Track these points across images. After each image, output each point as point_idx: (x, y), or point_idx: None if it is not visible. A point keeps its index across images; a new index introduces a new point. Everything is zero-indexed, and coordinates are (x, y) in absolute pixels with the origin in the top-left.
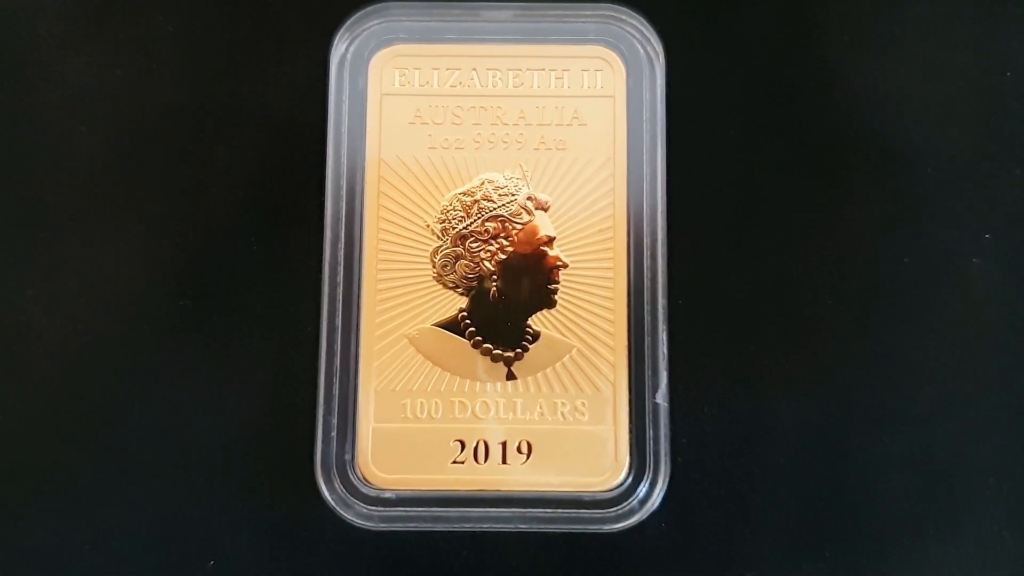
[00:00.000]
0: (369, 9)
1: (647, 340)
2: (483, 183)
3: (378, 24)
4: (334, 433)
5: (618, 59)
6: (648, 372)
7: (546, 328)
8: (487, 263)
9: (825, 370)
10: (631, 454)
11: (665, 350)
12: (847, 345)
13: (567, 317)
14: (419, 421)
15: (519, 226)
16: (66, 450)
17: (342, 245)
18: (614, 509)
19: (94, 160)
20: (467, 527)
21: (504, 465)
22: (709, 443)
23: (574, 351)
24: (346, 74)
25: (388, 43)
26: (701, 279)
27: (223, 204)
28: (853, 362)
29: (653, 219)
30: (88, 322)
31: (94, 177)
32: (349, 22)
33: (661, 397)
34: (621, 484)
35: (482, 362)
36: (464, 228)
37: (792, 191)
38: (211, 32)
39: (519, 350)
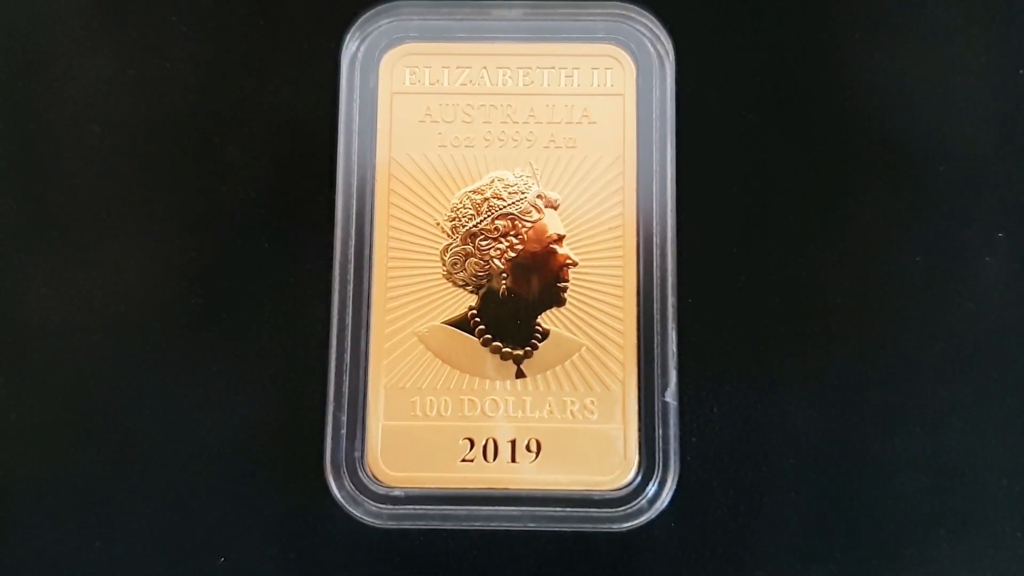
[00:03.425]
0: (380, 8)
1: (656, 338)
2: (493, 181)
3: (388, 23)
4: (343, 431)
5: (628, 57)
6: (657, 371)
7: (555, 326)
8: (497, 261)
9: (836, 369)
10: (640, 453)
11: (674, 348)
12: (858, 344)
13: (576, 315)
14: (428, 419)
15: (529, 224)
16: (77, 447)
17: (352, 243)
18: (623, 508)
19: (107, 159)
20: (476, 526)
21: (513, 463)
22: (719, 442)
23: (583, 349)
24: (357, 73)
25: (398, 42)
26: (710, 277)
27: (234, 203)
28: (864, 361)
29: (663, 217)
30: (100, 320)
31: (107, 176)
32: (360, 21)
33: (670, 396)
34: (630, 483)
35: (491, 360)
36: (474, 226)
37: (803, 189)
38: (223, 32)
39: (528, 348)
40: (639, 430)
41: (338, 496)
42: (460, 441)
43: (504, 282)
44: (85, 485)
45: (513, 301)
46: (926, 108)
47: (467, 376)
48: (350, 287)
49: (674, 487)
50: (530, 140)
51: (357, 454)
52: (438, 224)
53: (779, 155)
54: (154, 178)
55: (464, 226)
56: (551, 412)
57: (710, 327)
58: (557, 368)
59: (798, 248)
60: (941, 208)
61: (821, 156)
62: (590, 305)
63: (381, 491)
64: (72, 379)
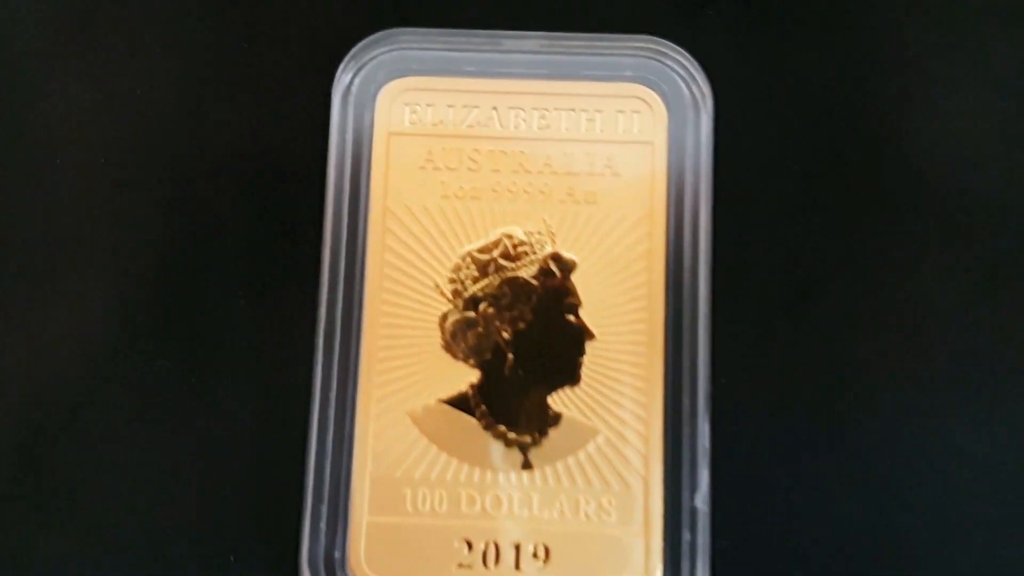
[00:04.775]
0: (378, 35)
1: (685, 428)
2: (501, 239)
3: (387, 52)
4: (323, 524)
5: (659, 100)
6: (686, 467)
7: (568, 409)
8: (503, 332)
9: (887, 464)
10: (664, 563)
11: (707, 442)
12: (912, 435)
13: (593, 397)
14: (420, 515)
15: (541, 290)
16: (29, 524)
17: (339, 304)
18: None
19: (66, 193)
20: None
21: (517, 571)
22: (755, 553)
23: (600, 438)
24: (350, 108)
25: (398, 74)
26: (748, 357)
27: (208, 251)
28: (918, 455)
29: (694, 285)
30: (52, 377)
31: (65, 212)
32: (355, 50)
33: (701, 500)
34: None
35: (495, 447)
36: (478, 290)
37: (853, 256)
38: (202, 55)
39: (537, 434)
40: (663, 537)
41: None
42: (456, 543)
43: (510, 356)
44: (36, 565)
45: (520, 378)
46: (994, 161)
47: (466, 465)
48: (335, 355)
49: None
50: (545, 193)
51: (337, 554)
52: (437, 287)
53: (827, 216)
54: (119, 217)
55: (467, 290)
56: (562, 512)
57: (747, 416)
58: (569, 459)
59: (847, 324)
60: (1013, 279)
61: (875, 218)
62: (609, 386)
63: None
64: (17, 444)
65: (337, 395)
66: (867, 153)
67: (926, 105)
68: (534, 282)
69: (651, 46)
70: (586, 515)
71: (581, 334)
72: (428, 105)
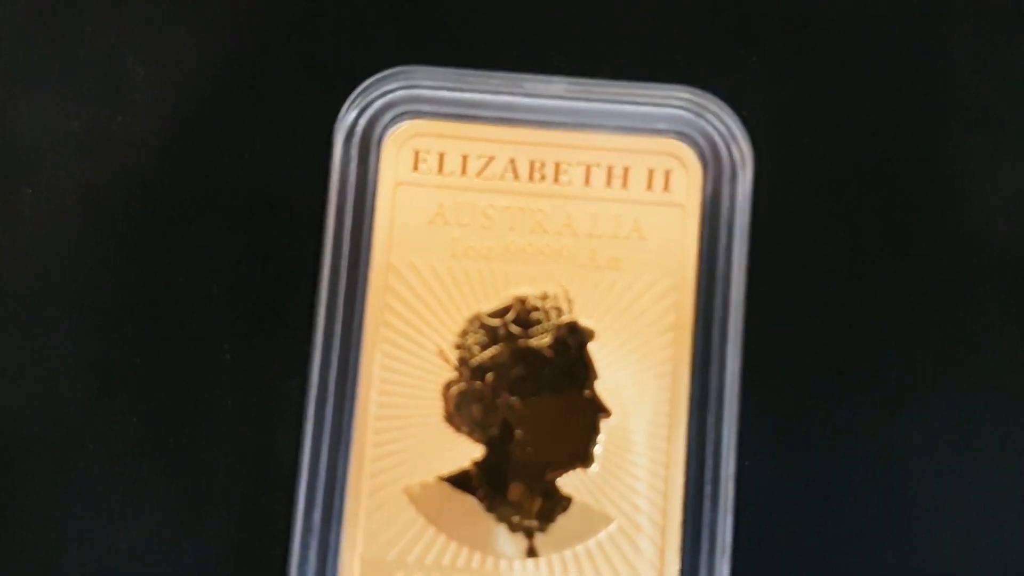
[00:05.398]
0: (387, 72)
1: (706, 519)
2: (513, 304)
3: (397, 91)
4: None
5: (694, 158)
6: (704, 562)
7: (580, 493)
8: (511, 405)
9: (929, 568)
10: None
11: (728, 536)
12: (956, 536)
13: (607, 481)
14: None
15: (555, 361)
16: None
17: (333, 367)
18: None
19: (37, 231)
20: None
21: None
22: None
23: (613, 526)
24: (353, 152)
25: (408, 117)
26: (778, 444)
27: (191, 301)
28: (964, 556)
29: (723, 363)
30: (14, 436)
31: (35, 252)
32: (361, 87)
33: None
34: None
35: (498, 531)
36: (486, 359)
37: (900, 339)
38: (190, 84)
39: (544, 519)
40: None
41: None
42: None
43: (519, 432)
44: None
45: (528, 457)
46: None
47: (466, 549)
48: (326, 423)
49: None
50: (564, 255)
51: None
52: (442, 352)
53: (874, 294)
54: (94, 260)
55: (474, 357)
56: None
57: (773, 507)
58: (579, 547)
59: (890, 411)
60: None
61: (927, 295)
62: (625, 469)
63: None
64: None
65: (327, 467)
66: (922, 225)
67: (986, 171)
68: (547, 352)
69: (688, 97)
70: None
71: (596, 411)
72: (440, 152)
